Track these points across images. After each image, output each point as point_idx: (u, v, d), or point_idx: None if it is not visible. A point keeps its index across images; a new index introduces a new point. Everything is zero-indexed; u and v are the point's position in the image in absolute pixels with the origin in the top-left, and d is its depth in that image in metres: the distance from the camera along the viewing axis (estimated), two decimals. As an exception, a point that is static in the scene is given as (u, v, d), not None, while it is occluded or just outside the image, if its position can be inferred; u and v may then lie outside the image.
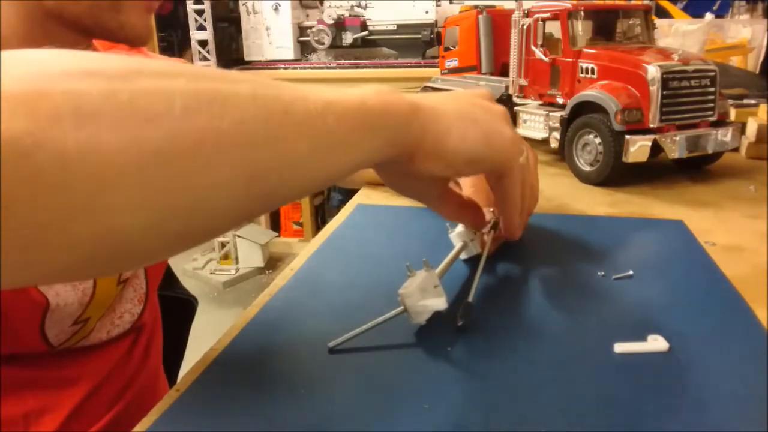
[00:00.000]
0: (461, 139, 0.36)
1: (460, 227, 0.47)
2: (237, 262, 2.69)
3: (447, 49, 1.18)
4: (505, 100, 0.95)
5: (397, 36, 2.27)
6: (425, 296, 0.37)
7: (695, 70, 0.72)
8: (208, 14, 2.30)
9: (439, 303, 0.38)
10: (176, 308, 0.71)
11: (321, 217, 2.86)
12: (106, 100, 0.20)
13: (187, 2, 2.30)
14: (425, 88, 1.10)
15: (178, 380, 0.35)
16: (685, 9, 1.50)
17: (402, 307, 0.38)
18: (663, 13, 1.42)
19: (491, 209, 0.48)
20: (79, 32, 0.47)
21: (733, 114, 0.86)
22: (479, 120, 0.37)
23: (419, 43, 2.22)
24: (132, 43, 0.49)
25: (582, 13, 0.81)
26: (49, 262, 0.20)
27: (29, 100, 0.19)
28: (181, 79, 0.23)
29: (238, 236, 2.62)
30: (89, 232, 0.20)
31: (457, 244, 0.46)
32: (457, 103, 0.38)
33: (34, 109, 0.19)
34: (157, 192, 0.22)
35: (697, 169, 0.79)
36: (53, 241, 0.20)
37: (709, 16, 1.30)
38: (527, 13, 0.85)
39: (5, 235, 0.18)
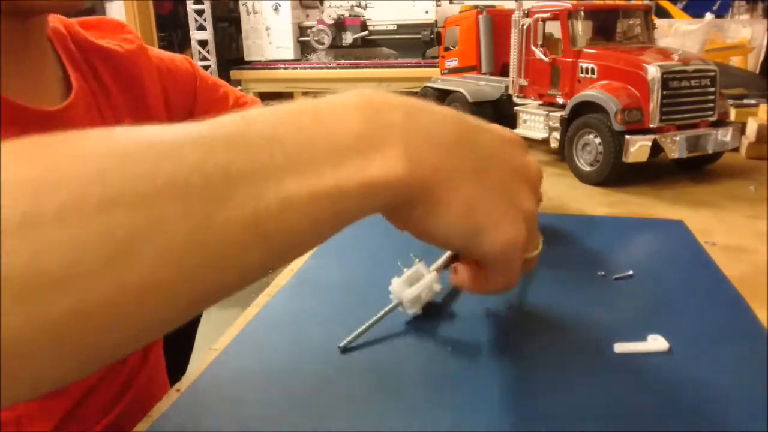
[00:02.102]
0: (444, 224, 0.29)
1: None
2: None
3: (447, 49, 1.18)
4: (505, 100, 0.95)
5: (397, 36, 2.27)
6: (413, 286, 0.39)
7: (695, 70, 0.72)
8: (208, 14, 2.30)
9: (427, 288, 0.39)
10: None
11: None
12: None
13: (187, 2, 2.30)
14: (425, 88, 1.10)
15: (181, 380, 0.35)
16: (685, 9, 1.50)
17: (397, 301, 0.39)
18: (663, 13, 1.42)
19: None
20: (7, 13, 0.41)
21: (733, 114, 0.86)
22: (480, 209, 0.29)
23: (419, 43, 2.22)
24: (62, 7, 0.45)
25: (582, 13, 0.81)
26: None
27: None
28: (89, 218, 0.19)
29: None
30: (15, 397, 0.19)
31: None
32: (477, 183, 0.29)
33: None
34: (78, 353, 0.19)
35: (697, 169, 0.79)
36: None
37: (709, 16, 1.30)
38: (527, 13, 0.85)
39: None
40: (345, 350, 0.36)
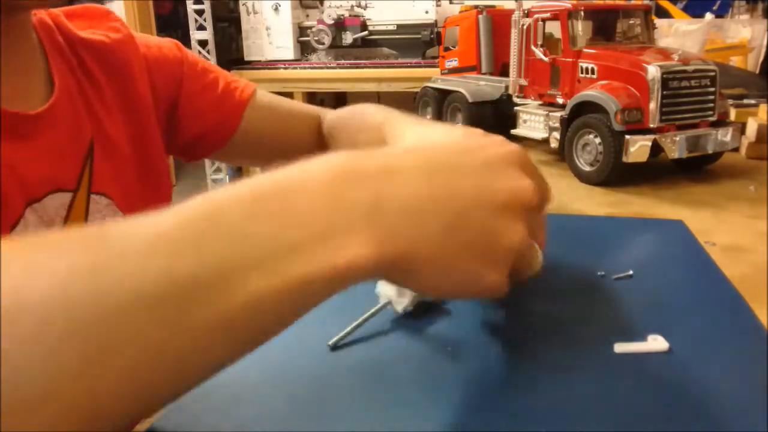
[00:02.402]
0: (425, 283, 0.28)
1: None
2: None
3: (447, 49, 1.18)
4: (505, 100, 0.95)
5: (397, 36, 2.27)
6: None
7: (695, 70, 0.72)
8: (208, 14, 2.31)
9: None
10: None
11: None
12: None
13: (187, 2, 2.30)
14: (425, 88, 1.10)
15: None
16: (685, 9, 1.50)
17: (386, 300, 0.39)
18: (663, 13, 1.42)
19: None
20: None
21: (733, 114, 0.86)
22: (462, 261, 0.28)
23: (419, 43, 2.22)
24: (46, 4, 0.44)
25: (582, 13, 0.81)
26: None
27: None
28: (49, 346, 0.19)
29: (238, 236, 2.62)
30: None
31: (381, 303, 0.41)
32: (451, 234, 0.28)
33: None
34: None
35: (697, 169, 0.79)
36: None
37: (709, 16, 1.30)
38: (527, 13, 0.85)
39: None
40: (335, 348, 0.36)
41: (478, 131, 0.36)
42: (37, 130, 0.44)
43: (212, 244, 0.23)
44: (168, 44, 0.63)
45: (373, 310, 0.39)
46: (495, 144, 0.32)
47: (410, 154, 0.29)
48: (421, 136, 0.48)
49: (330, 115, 0.71)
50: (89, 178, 0.48)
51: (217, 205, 0.25)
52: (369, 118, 0.61)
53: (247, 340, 0.24)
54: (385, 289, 0.39)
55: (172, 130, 0.63)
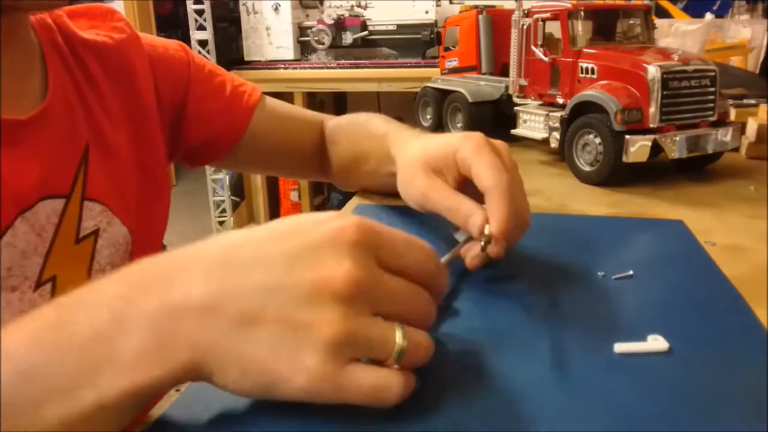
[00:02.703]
0: (231, 385, 0.28)
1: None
2: (237, 262, 2.68)
3: (447, 49, 1.18)
4: (505, 100, 0.95)
5: (397, 36, 2.27)
6: None
7: (695, 70, 0.72)
8: (208, 14, 2.30)
9: None
10: None
11: (321, 217, 2.85)
12: None
13: (187, 2, 2.30)
14: (425, 88, 1.10)
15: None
16: (685, 9, 1.50)
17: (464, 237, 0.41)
18: (663, 13, 1.42)
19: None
20: None
21: (733, 114, 0.86)
22: (258, 364, 0.27)
23: (419, 43, 2.22)
24: (46, 6, 0.44)
25: (582, 13, 0.81)
26: None
27: None
28: None
29: (238, 236, 2.61)
30: None
31: (461, 240, 0.45)
32: (245, 332, 0.26)
33: None
34: None
35: (697, 169, 0.79)
36: None
37: (709, 16, 1.30)
38: (527, 13, 0.85)
39: None
40: None
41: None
42: (27, 135, 0.42)
43: (19, 377, 0.24)
44: (174, 45, 0.62)
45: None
46: (323, 224, 0.29)
47: (203, 252, 0.28)
48: (423, 147, 0.48)
49: (331, 122, 0.70)
50: (83, 183, 0.47)
51: (6, 346, 0.25)
52: (373, 127, 0.61)
53: None
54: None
55: (178, 134, 0.62)
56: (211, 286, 0.27)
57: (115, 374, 0.25)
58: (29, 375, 0.25)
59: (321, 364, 0.26)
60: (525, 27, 0.85)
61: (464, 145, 0.44)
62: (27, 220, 0.42)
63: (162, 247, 0.63)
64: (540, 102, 0.87)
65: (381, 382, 0.28)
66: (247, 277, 0.27)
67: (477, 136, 0.45)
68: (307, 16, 2.41)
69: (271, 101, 0.69)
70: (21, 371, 0.25)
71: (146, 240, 0.54)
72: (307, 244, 0.28)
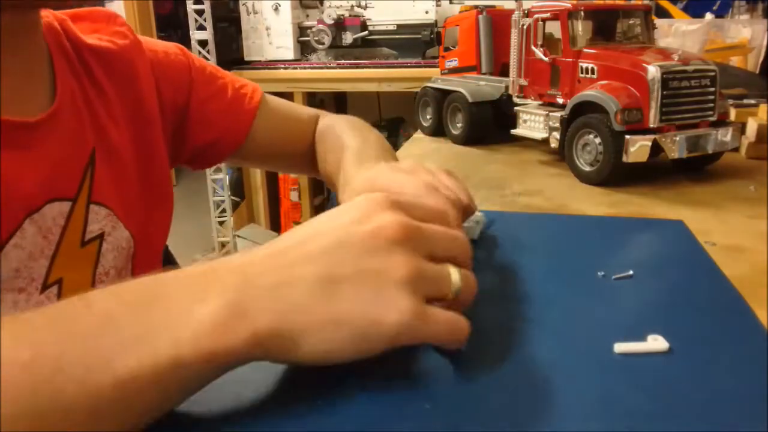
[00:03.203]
0: (321, 349, 0.28)
1: None
2: (237, 262, 2.68)
3: (447, 49, 1.18)
4: (505, 100, 0.95)
5: (397, 36, 2.27)
6: None
7: (695, 70, 0.72)
8: (208, 14, 2.30)
9: None
10: None
11: (321, 217, 2.85)
12: None
13: (187, 2, 2.30)
14: (425, 88, 1.10)
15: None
16: (685, 9, 1.50)
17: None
18: (663, 13, 1.42)
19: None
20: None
21: (733, 114, 0.86)
22: (349, 315, 0.28)
23: (419, 43, 2.22)
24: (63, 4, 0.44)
25: (582, 13, 0.81)
26: None
27: None
28: None
29: (239, 236, 2.62)
30: None
31: None
32: (323, 294, 0.28)
33: None
34: None
35: (697, 169, 0.79)
36: None
37: (709, 16, 1.30)
38: (527, 13, 0.85)
39: None
40: None
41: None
42: (36, 138, 0.42)
43: (80, 329, 0.25)
44: (173, 49, 0.62)
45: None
46: (361, 198, 0.32)
47: (263, 253, 0.30)
48: (364, 181, 0.48)
49: (321, 123, 0.71)
50: (89, 187, 0.47)
51: (85, 297, 0.26)
52: (337, 143, 0.62)
53: (132, 411, 0.25)
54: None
55: (181, 138, 0.62)
56: (277, 261, 0.29)
57: (193, 335, 0.25)
58: (107, 325, 0.25)
59: (406, 300, 0.28)
60: (525, 27, 0.85)
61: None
62: (35, 222, 0.42)
63: (164, 250, 0.63)
64: (540, 102, 0.87)
65: (454, 318, 0.31)
66: (311, 245, 0.29)
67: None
68: (307, 16, 2.41)
69: (271, 101, 0.70)
70: (99, 322, 0.25)
71: (149, 244, 0.54)
72: (352, 213, 0.31)
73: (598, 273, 0.46)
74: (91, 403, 0.23)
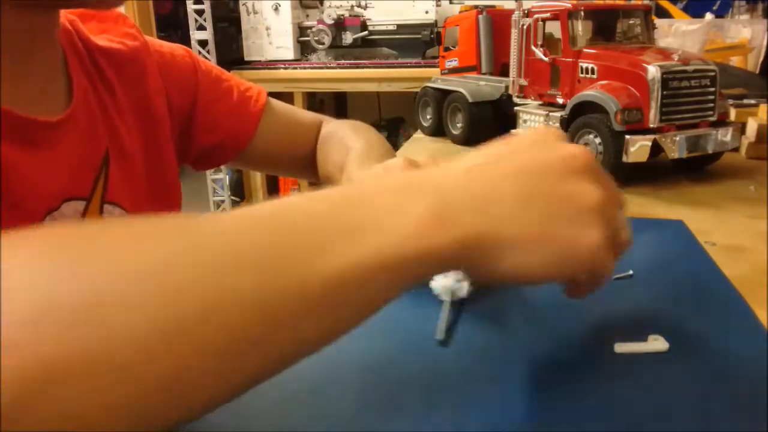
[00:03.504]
0: (522, 264, 0.28)
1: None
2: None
3: (447, 49, 1.18)
4: (505, 100, 0.95)
5: (397, 36, 2.27)
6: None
7: (695, 70, 0.72)
8: (208, 14, 2.30)
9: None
10: None
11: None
12: (70, 361, 0.18)
13: (187, 2, 2.30)
14: (425, 88, 1.10)
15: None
16: (685, 9, 1.49)
17: (448, 292, 0.41)
18: (663, 13, 1.42)
19: None
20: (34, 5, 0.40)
21: (733, 114, 0.86)
22: (552, 232, 0.28)
23: (419, 43, 2.22)
24: (104, 4, 0.45)
25: (582, 13, 0.81)
26: None
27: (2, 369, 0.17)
28: (158, 302, 0.19)
29: (238, 236, 2.61)
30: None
31: (446, 298, 0.42)
32: (528, 208, 0.28)
33: (8, 379, 0.17)
34: (154, 425, 0.20)
35: (697, 169, 0.79)
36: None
37: (709, 16, 1.29)
38: (527, 13, 0.85)
39: None
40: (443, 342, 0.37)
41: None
42: (55, 138, 0.43)
43: (305, 221, 0.25)
44: (180, 51, 0.63)
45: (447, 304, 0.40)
46: (581, 168, 0.31)
47: (459, 169, 0.30)
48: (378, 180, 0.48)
49: (324, 128, 0.72)
50: (103, 186, 0.47)
51: (305, 196, 0.26)
52: (340, 145, 0.62)
53: (336, 314, 0.24)
54: (441, 283, 0.40)
55: (187, 139, 0.62)
56: (485, 178, 0.29)
57: (399, 236, 0.25)
58: (309, 223, 0.25)
59: (599, 227, 0.29)
60: (525, 27, 0.85)
61: None
62: (54, 220, 0.42)
63: None
64: (540, 102, 0.87)
65: (627, 243, 0.33)
66: (507, 164, 0.29)
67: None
68: (307, 16, 2.41)
69: (275, 104, 0.70)
70: (299, 221, 0.24)
71: None
72: (539, 139, 0.31)
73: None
74: (302, 297, 0.22)
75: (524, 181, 0.29)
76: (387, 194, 0.27)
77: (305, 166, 0.73)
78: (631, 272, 0.46)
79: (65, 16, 0.50)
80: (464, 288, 0.41)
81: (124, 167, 0.50)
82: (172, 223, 0.23)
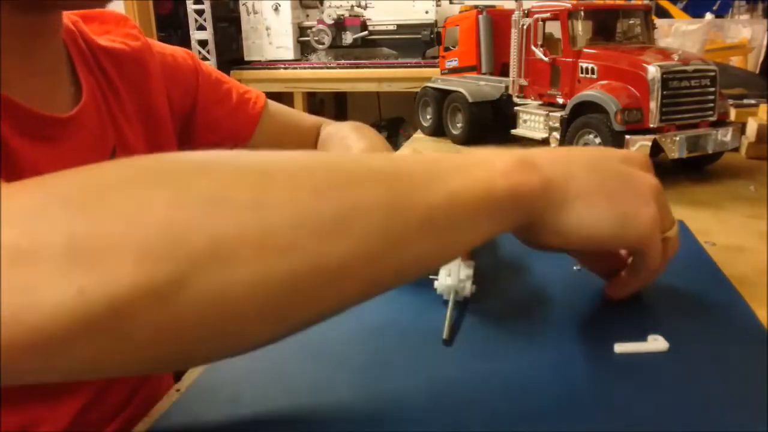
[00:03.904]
0: (587, 217, 0.32)
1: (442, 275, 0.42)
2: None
3: (447, 49, 1.18)
4: (505, 100, 0.95)
5: (397, 36, 2.27)
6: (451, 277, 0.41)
7: (695, 70, 0.72)
8: (208, 14, 2.30)
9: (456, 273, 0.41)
10: None
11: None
12: (238, 240, 0.21)
13: (187, 2, 2.30)
14: (425, 88, 1.10)
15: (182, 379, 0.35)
16: (685, 9, 1.49)
17: (451, 290, 0.41)
18: (663, 13, 1.42)
19: None
20: (26, 7, 0.40)
21: (733, 114, 0.86)
22: (615, 196, 0.32)
23: (419, 43, 2.22)
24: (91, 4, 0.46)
25: (582, 13, 0.81)
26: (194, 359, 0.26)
27: (170, 244, 0.20)
28: (305, 199, 0.23)
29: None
30: (222, 353, 0.25)
31: (449, 298, 0.41)
32: (596, 173, 0.33)
33: (174, 256, 0.20)
34: (285, 318, 0.24)
35: (697, 169, 0.79)
36: (194, 360, 0.26)
37: (709, 16, 1.29)
38: (527, 13, 0.85)
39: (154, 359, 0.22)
40: (447, 342, 0.37)
41: None
42: (65, 134, 0.43)
43: (417, 158, 0.30)
44: (181, 53, 0.63)
45: (450, 303, 0.40)
46: (636, 160, 0.37)
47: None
48: None
49: (324, 131, 0.72)
50: None
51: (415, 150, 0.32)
52: (341, 145, 0.63)
53: (444, 238, 0.28)
54: (444, 282, 0.41)
55: (187, 140, 0.63)
56: (560, 152, 0.35)
57: (503, 170, 0.29)
58: (422, 160, 0.29)
59: (655, 207, 0.33)
60: (525, 27, 0.85)
61: None
62: None
63: None
64: (540, 102, 0.87)
65: (675, 242, 0.37)
66: (574, 151, 0.35)
67: None
68: (307, 16, 2.40)
69: (274, 107, 0.70)
70: (414, 159, 0.30)
71: None
72: (634, 180, 0.34)
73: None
74: (424, 215, 0.26)
75: (593, 160, 0.33)
76: (478, 152, 0.31)
77: None
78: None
79: (68, 17, 0.50)
80: (467, 288, 0.41)
81: None
82: (310, 153, 0.27)
